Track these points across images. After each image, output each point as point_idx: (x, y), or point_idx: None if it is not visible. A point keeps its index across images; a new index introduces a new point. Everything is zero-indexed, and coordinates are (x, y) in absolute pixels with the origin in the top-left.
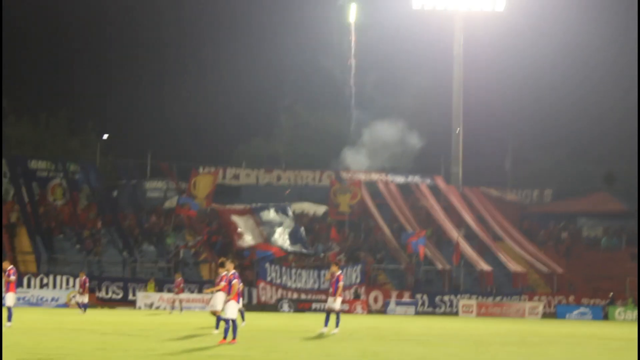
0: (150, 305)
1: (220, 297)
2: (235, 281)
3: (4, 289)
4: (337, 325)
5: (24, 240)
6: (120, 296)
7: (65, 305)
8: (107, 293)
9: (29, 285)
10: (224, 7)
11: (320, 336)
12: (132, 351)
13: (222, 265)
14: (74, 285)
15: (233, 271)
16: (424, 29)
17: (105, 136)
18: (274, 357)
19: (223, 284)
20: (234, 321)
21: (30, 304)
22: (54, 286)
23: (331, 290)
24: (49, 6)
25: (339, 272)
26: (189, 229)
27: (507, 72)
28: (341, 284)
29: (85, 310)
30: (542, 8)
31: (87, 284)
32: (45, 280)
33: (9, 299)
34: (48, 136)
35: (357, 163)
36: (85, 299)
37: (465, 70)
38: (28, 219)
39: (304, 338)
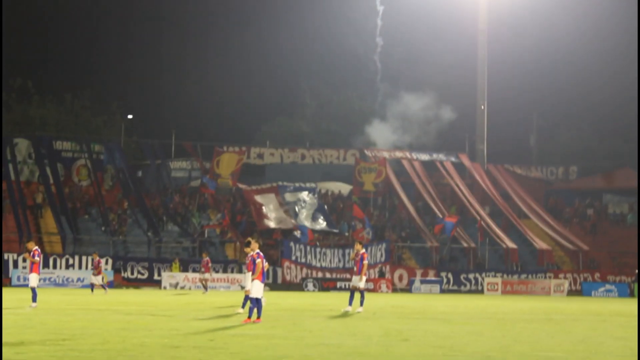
0: (176, 285)
1: (250, 277)
2: (259, 260)
3: (26, 270)
4: (361, 303)
5: (49, 221)
6: (145, 276)
7: (91, 285)
8: (132, 273)
9: (54, 266)
10: None
11: (345, 315)
12: (155, 331)
13: (248, 245)
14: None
15: (257, 250)
16: (448, 3)
17: (130, 116)
18: (297, 335)
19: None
20: (258, 300)
21: (56, 284)
22: (80, 267)
23: (355, 268)
24: None
25: (362, 251)
26: (213, 209)
27: (532, 47)
28: (365, 262)
29: (99, 289)
30: None
31: (101, 265)
32: (70, 261)
33: (32, 279)
34: (72, 117)
35: (382, 138)
36: (99, 279)
37: (489, 46)
38: (53, 199)
39: (328, 317)
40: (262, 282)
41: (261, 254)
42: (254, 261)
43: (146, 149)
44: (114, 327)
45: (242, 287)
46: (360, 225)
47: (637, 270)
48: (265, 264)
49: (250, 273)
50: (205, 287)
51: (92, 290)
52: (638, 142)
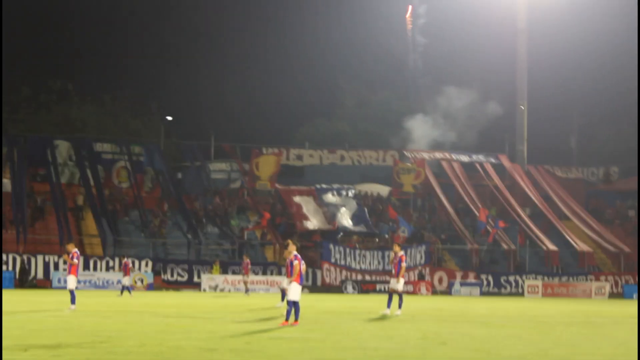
0: (215, 288)
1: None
2: (296, 262)
3: (64, 272)
4: (399, 306)
5: (89, 223)
6: (185, 278)
7: (131, 288)
8: (172, 275)
9: (95, 268)
10: None
11: (383, 318)
12: (193, 333)
13: (287, 247)
14: (139, 268)
15: (295, 253)
16: (487, 3)
17: (169, 118)
18: (334, 338)
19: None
20: (296, 303)
21: (96, 286)
22: (119, 269)
23: (394, 271)
24: None
25: (401, 253)
26: (253, 211)
27: (572, 46)
28: (404, 264)
29: (126, 292)
30: None
31: (130, 266)
32: (110, 263)
33: (71, 281)
34: (112, 118)
35: (423, 133)
36: (127, 281)
37: (529, 46)
38: (94, 201)
39: (366, 320)
40: (300, 284)
41: (299, 256)
42: (291, 263)
43: (185, 151)
44: (151, 330)
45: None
46: (395, 227)
47: None
48: (303, 266)
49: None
50: (247, 290)
51: (121, 292)
52: None
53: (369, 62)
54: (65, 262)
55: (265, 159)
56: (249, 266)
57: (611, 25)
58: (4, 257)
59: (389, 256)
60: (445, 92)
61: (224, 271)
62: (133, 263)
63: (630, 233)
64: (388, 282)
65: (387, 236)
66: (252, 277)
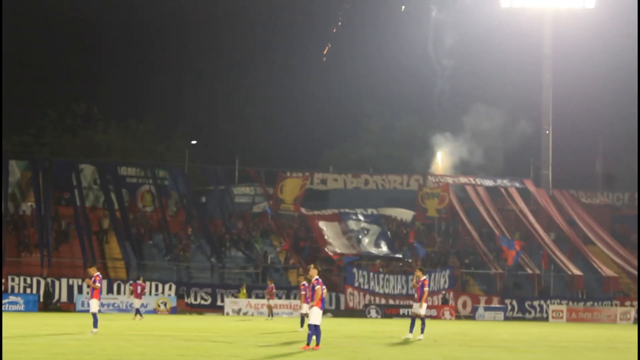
0: (239, 312)
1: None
2: (318, 287)
3: (87, 295)
4: (422, 331)
5: (114, 247)
6: (208, 302)
7: (154, 311)
8: (195, 299)
9: (118, 292)
10: (309, 14)
11: (405, 342)
12: (213, 357)
13: (309, 271)
14: (162, 292)
15: (316, 277)
16: (512, 27)
17: (194, 142)
18: None
19: (303, 293)
20: (317, 327)
21: (120, 310)
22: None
23: (416, 295)
24: (138, 14)
25: (424, 277)
26: (277, 234)
27: (597, 71)
28: (426, 289)
29: (139, 315)
30: (633, 4)
31: (140, 290)
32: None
33: (93, 305)
34: (137, 142)
35: (448, 155)
36: (138, 303)
37: (554, 70)
38: (118, 225)
39: (388, 344)
40: (321, 308)
41: (320, 280)
42: (313, 288)
43: (210, 175)
44: (172, 353)
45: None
46: (417, 252)
47: None
48: (324, 291)
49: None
50: (271, 314)
51: (135, 316)
52: None
53: (393, 87)
54: (88, 286)
55: (290, 182)
56: (274, 290)
57: (635, 51)
58: (29, 280)
59: (412, 280)
60: (471, 113)
61: (248, 295)
62: (152, 287)
63: None
64: (411, 307)
65: (410, 260)
66: (275, 301)
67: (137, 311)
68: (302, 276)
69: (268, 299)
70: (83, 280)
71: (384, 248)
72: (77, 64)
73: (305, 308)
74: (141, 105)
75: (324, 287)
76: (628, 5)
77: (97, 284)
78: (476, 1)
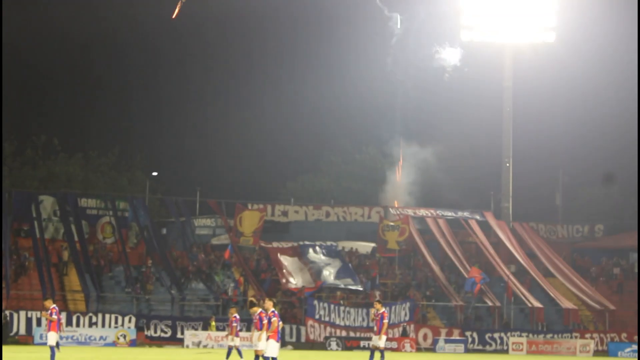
0: (199, 344)
1: (257, 335)
2: (274, 319)
3: (45, 328)
4: None
5: (73, 279)
6: (168, 335)
7: (113, 344)
8: (155, 332)
9: (77, 324)
10: (267, 46)
11: None
12: None
13: (252, 305)
14: (122, 324)
15: (272, 309)
16: (473, 61)
17: (155, 173)
18: None
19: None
20: (274, 359)
21: (79, 342)
22: (103, 325)
23: (375, 328)
24: (98, 46)
25: (382, 310)
26: (238, 266)
27: (557, 104)
28: (386, 321)
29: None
30: (593, 39)
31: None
32: (94, 319)
33: (51, 338)
34: (97, 174)
35: (404, 191)
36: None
37: (514, 103)
38: (77, 257)
39: None
40: (278, 340)
41: (276, 312)
42: (269, 319)
43: (170, 206)
44: None
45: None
46: (381, 285)
47: None
48: (280, 323)
49: (255, 330)
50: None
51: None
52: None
53: (354, 119)
54: (46, 319)
55: (248, 215)
56: (238, 322)
57: (595, 85)
58: None
59: (372, 313)
60: (429, 146)
61: (206, 327)
62: (111, 319)
63: (615, 291)
64: (371, 339)
65: (369, 292)
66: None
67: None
68: (233, 307)
69: (230, 332)
70: (41, 313)
71: (345, 280)
72: (37, 95)
73: (235, 340)
74: (102, 137)
75: (280, 319)
76: (588, 39)
77: (54, 317)
78: (436, 36)
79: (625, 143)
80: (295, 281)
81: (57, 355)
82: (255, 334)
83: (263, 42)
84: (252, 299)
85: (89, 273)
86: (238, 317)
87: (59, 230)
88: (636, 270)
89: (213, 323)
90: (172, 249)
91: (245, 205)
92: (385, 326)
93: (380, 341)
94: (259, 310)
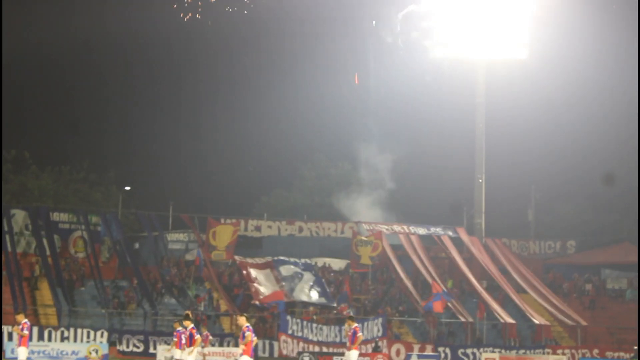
0: (171, 359)
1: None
2: (248, 333)
3: (16, 343)
4: None
5: (45, 293)
6: (141, 350)
7: (85, 359)
8: (127, 347)
9: (49, 339)
10: (240, 61)
11: None
12: None
13: (187, 318)
14: (94, 339)
15: (247, 324)
16: (445, 77)
17: (127, 188)
18: None
19: (175, 340)
20: None
21: (51, 357)
22: (75, 339)
23: (348, 343)
24: (69, 60)
25: (355, 325)
26: (210, 281)
27: (529, 120)
28: (359, 334)
29: None
30: (566, 55)
31: (25, 330)
32: (65, 334)
33: (21, 353)
34: (70, 188)
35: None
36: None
37: (487, 119)
38: (49, 271)
39: None
40: (251, 356)
41: (250, 327)
42: (243, 334)
43: (143, 221)
44: None
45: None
46: (353, 302)
47: (635, 347)
48: (254, 339)
49: (173, 346)
50: None
51: None
52: (638, 217)
53: (328, 135)
54: (17, 333)
55: (222, 229)
56: (209, 338)
57: (567, 101)
58: None
59: (344, 329)
60: (401, 164)
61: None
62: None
63: (587, 307)
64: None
65: (342, 308)
66: (209, 349)
67: None
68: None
69: (202, 347)
70: (13, 328)
71: (318, 296)
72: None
73: (178, 353)
74: (74, 151)
75: (254, 334)
76: (560, 56)
77: (25, 332)
78: (408, 51)
79: (598, 159)
80: (267, 296)
81: None
82: (175, 350)
83: (235, 58)
84: (188, 312)
85: (61, 287)
86: (181, 330)
87: (31, 245)
88: (608, 286)
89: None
90: (145, 263)
91: (217, 220)
92: (360, 339)
93: (353, 357)
94: (191, 325)
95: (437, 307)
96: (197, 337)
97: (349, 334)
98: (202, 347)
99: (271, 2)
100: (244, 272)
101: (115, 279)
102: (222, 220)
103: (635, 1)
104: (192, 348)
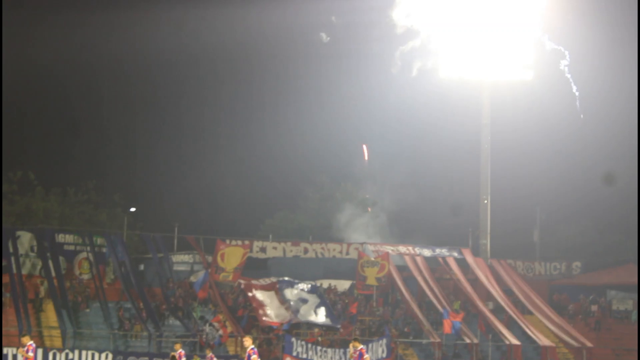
0: None
1: None
2: (254, 357)
3: None
4: None
5: (50, 315)
6: None
7: None
8: None
9: None
10: (242, 85)
11: None
12: None
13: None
14: None
15: (252, 346)
16: (451, 97)
17: (133, 209)
18: None
19: None
20: None
21: None
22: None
23: None
24: (77, 82)
25: (361, 347)
26: (215, 303)
27: (535, 142)
28: (366, 356)
29: None
30: (571, 76)
31: (30, 352)
32: (70, 356)
33: None
34: (75, 210)
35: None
36: None
37: (492, 140)
38: (54, 293)
39: None
40: None
41: (255, 349)
42: (249, 357)
43: (148, 242)
44: None
45: None
46: (358, 323)
47: None
48: None
49: None
50: None
51: None
52: (638, 238)
53: (332, 157)
54: (22, 355)
55: (231, 251)
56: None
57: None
58: None
59: (349, 351)
60: (405, 185)
61: None
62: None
63: (592, 328)
64: None
65: (348, 329)
66: None
67: None
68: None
69: None
70: (17, 350)
71: (324, 317)
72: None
73: None
74: (80, 173)
75: (259, 357)
76: (565, 77)
77: (30, 354)
78: (415, 71)
79: (600, 181)
80: (273, 317)
81: None
82: None
83: (237, 81)
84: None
85: (66, 309)
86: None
87: (36, 266)
88: (613, 307)
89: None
90: (150, 285)
91: (224, 242)
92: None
93: None
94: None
95: (446, 326)
96: (253, 358)
97: (355, 356)
98: None
99: (275, 25)
100: (249, 294)
101: (120, 301)
102: (228, 242)
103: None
104: None
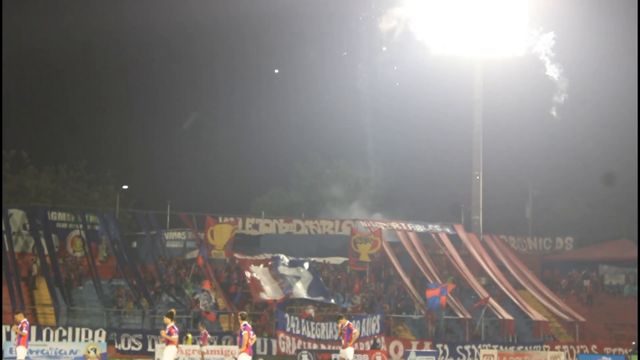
0: None
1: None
2: (245, 332)
3: (14, 342)
4: None
5: (43, 293)
6: (139, 348)
7: (84, 358)
8: (126, 345)
9: (47, 338)
10: (239, 59)
11: None
12: None
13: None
14: (92, 338)
15: (245, 323)
16: (443, 74)
17: (125, 187)
18: None
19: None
20: None
21: (49, 356)
22: (73, 339)
23: (343, 341)
24: (65, 59)
25: (347, 322)
26: (208, 279)
27: (526, 117)
28: (355, 331)
29: None
30: (563, 52)
31: (24, 329)
32: (64, 333)
33: (20, 352)
34: (68, 188)
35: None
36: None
37: (484, 116)
38: (47, 270)
39: None
40: (250, 354)
41: (248, 325)
42: (240, 333)
43: (141, 220)
44: None
45: None
46: (358, 299)
47: (634, 342)
48: (253, 337)
49: (165, 344)
50: None
51: None
52: (638, 214)
53: (325, 134)
54: (15, 333)
55: (220, 228)
56: (207, 336)
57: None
58: None
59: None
60: (398, 161)
61: (179, 341)
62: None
63: (585, 303)
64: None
65: (347, 307)
66: (208, 347)
67: None
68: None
69: (201, 345)
70: (11, 327)
71: (317, 293)
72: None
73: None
74: (72, 151)
75: (252, 332)
76: (557, 53)
77: (24, 331)
78: (406, 48)
79: (595, 156)
80: (266, 293)
81: None
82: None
83: (231, 57)
84: (172, 310)
85: (59, 286)
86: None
87: (29, 244)
88: (605, 282)
89: (189, 337)
90: (143, 262)
91: (216, 219)
92: (356, 335)
93: (349, 354)
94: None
95: (444, 301)
96: (244, 334)
97: (344, 332)
98: (201, 345)
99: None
100: (245, 270)
101: (113, 278)
102: (220, 219)
103: None
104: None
